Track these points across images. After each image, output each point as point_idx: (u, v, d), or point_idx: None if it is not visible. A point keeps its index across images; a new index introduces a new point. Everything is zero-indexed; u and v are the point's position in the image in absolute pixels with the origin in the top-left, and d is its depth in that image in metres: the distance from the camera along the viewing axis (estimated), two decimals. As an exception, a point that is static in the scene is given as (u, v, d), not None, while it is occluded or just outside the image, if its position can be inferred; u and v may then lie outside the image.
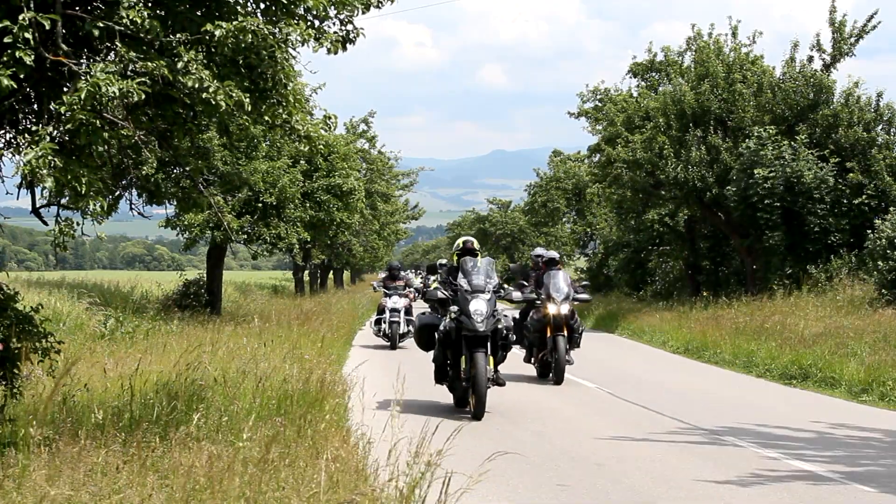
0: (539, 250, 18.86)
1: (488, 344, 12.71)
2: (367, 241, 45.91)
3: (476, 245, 13.89)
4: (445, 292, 13.22)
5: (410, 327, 22.51)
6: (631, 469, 9.46)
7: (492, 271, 13.13)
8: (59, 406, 8.58)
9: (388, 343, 23.01)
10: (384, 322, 23.28)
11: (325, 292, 44.22)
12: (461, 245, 13.73)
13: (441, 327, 13.18)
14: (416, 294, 26.13)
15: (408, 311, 23.49)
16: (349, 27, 7.96)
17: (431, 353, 13.75)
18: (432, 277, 26.27)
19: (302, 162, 25.09)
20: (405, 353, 21.41)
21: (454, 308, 12.78)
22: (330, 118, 8.57)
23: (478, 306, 12.64)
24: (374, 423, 8.42)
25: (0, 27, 6.55)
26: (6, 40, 6.54)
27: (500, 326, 12.88)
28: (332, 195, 25.83)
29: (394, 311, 23.23)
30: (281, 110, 7.78)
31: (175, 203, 10.34)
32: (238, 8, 7.43)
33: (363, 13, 7.96)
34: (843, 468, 9.53)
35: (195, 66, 6.98)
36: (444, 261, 29.98)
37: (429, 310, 14.35)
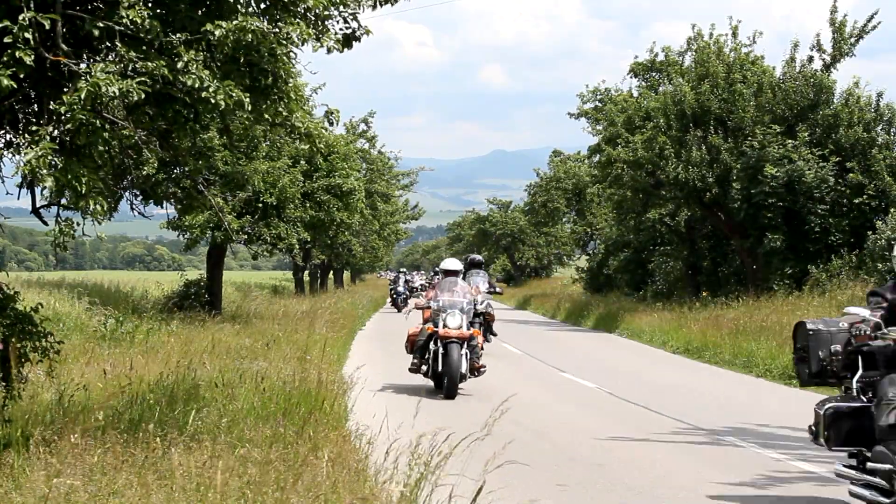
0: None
1: None
2: (367, 241, 45.87)
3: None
4: None
5: None
6: (631, 469, 9.45)
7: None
8: (57, 406, 8.56)
9: None
10: None
11: (325, 292, 44.17)
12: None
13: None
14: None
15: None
16: (353, 24, 7.92)
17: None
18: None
19: (302, 162, 25.07)
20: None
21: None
22: (332, 113, 8.52)
23: None
24: (375, 424, 8.41)
25: (0, 27, 6.54)
26: (6, 40, 6.53)
27: None
28: (332, 195, 25.81)
29: None
30: (281, 108, 7.75)
31: (174, 204, 10.27)
32: (238, 7, 7.41)
33: (371, 10, 7.91)
34: (844, 468, 9.51)
35: (195, 65, 6.96)
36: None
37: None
